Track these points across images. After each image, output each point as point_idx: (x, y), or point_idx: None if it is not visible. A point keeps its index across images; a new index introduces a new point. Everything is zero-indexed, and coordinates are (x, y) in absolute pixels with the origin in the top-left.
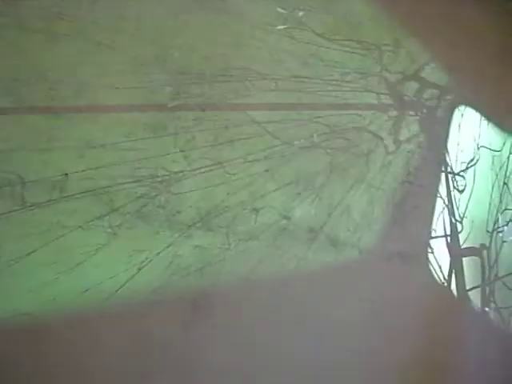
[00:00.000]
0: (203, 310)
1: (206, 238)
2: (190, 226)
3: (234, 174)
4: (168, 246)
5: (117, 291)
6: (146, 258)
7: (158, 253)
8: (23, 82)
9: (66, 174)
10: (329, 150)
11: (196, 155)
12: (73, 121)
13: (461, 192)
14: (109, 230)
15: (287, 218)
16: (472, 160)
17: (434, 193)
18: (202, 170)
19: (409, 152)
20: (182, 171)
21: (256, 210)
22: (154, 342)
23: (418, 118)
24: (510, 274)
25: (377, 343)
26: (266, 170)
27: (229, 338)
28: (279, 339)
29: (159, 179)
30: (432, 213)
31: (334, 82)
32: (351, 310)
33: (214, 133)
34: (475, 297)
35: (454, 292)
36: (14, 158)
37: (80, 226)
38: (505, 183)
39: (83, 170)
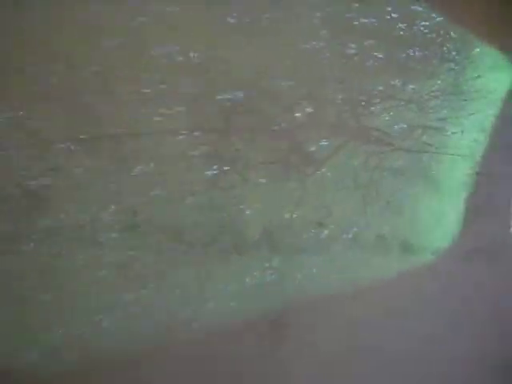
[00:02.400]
0: (280, 330)
1: (274, 258)
2: (257, 247)
3: (295, 190)
4: (238, 269)
5: (194, 317)
6: (220, 283)
7: (231, 277)
8: None
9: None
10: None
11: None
12: None
13: None
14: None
15: (353, 227)
16: None
17: (509, 182)
18: (260, 188)
19: (475, 141)
20: (240, 194)
21: (321, 224)
22: (233, 365)
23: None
24: None
25: (462, 344)
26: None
27: (307, 358)
28: (358, 355)
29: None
30: (509, 205)
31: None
32: (431, 317)
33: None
34: None
35: None
36: None
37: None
38: None
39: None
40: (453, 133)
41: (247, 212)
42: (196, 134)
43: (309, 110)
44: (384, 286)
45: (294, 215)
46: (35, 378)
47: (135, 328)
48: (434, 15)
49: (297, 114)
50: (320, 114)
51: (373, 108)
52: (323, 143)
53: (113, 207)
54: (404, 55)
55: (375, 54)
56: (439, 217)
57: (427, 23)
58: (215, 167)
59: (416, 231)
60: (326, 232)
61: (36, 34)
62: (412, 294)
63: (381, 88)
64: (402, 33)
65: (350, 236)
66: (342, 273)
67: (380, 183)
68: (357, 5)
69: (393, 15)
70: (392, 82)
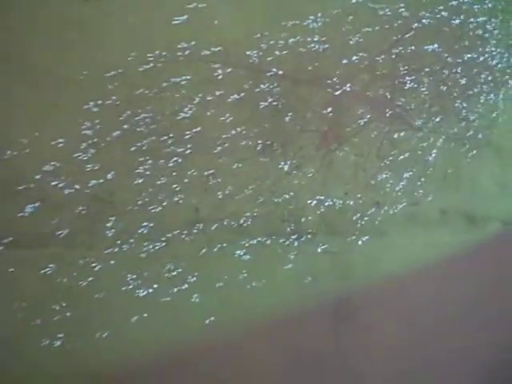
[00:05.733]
0: (346, 317)
1: (333, 242)
2: (315, 233)
3: (346, 171)
4: (298, 256)
5: (261, 307)
6: (282, 272)
7: (291, 264)
8: None
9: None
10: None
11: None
12: None
13: None
14: (242, 253)
15: (415, 204)
16: None
17: None
18: (312, 175)
19: None
20: (298, 183)
21: (378, 203)
22: (300, 355)
23: None
24: None
25: None
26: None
27: (374, 344)
28: (433, 339)
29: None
30: None
31: None
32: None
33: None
34: None
35: None
36: None
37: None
38: None
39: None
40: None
41: (303, 199)
42: (248, 125)
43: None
44: (451, 262)
45: (349, 197)
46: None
47: (216, 311)
48: None
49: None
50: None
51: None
52: (371, 123)
53: (175, 205)
54: None
55: None
56: (503, 184)
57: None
58: (268, 157)
59: (479, 202)
60: (383, 211)
61: None
62: (484, 266)
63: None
64: None
65: (410, 214)
66: (404, 252)
67: (436, 155)
68: None
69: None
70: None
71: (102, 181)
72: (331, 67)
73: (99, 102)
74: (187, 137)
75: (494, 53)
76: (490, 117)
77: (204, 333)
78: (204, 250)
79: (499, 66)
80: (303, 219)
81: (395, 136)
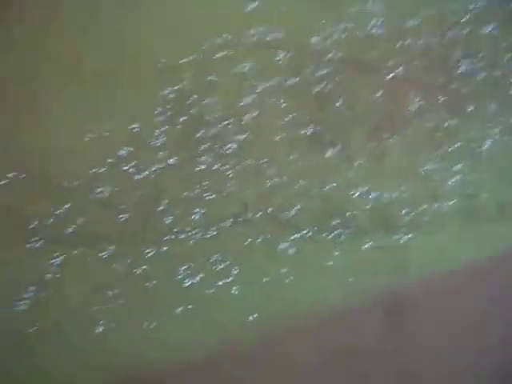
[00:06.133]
0: (396, 315)
1: (382, 238)
2: (364, 228)
3: (398, 164)
4: (347, 252)
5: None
6: (327, 268)
7: (338, 260)
8: None
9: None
10: None
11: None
12: None
13: None
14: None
15: (470, 197)
16: None
17: None
18: (362, 166)
19: None
20: (347, 175)
21: (431, 197)
22: (349, 352)
23: None
24: None
25: None
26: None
27: (426, 343)
28: (490, 340)
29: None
30: None
31: None
32: None
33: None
34: None
35: None
36: None
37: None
38: None
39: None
40: None
41: (353, 192)
42: (298, 118)
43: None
44: (509, 260)
45: (401, 190)
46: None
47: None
48: None
49: None
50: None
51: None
52: (424, 111)
53: (224, 200)
54: None
55: None
56: None
57: None
58: (318, 147)
59: None
60: (436, 205)
61: None
62: None
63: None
64: None
65: (465, 208)
66: (459, 249)
67: (491, 145)
68: None
69: None
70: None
71: (163, 165)
72: (386, 52)
73: (175, 87)
74: (245, 124)
75: None
76: None
77: (247, 328)
78: (248, 241)
79: None
80: (352, 213)
81: (449, 125)
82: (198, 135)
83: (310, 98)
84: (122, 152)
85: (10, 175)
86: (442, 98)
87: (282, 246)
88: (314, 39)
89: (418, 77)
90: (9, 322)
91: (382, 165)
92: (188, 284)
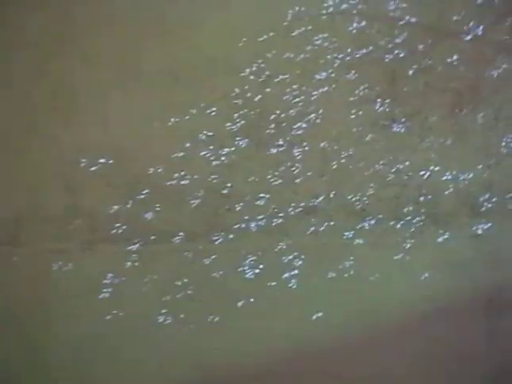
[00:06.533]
0: (500, 311)
1: (478, 226)
2: (456, 216)
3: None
4: (436, 242)
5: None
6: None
7: (427, 251)
8: None
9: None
10: None
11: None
12: None
13: None
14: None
15: None
16: None
17: None
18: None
19: None
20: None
21: None
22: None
23: None
24: None
25: None
26: None
27: None
28: None
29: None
30: None
31: None
32: None
33: None
34: None
35: None
36: None
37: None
38: None
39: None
40: None
41: (437, 176)
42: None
43: None
44: None
45: (491, 171)
46: None
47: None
48: None
49: None
50: None
51: None
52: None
53: (292, 192)
54: None
55: None
56: None
57: None
58: (391, 130)
59: None
60: None
61: None
62: None
63: None
64: None
65: None
66: None
67: None
68: None
69: None
70: None
71: (233, 149)
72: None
73: (253, 69)
74: (316, 100)
75: None
76: None
77: (310, 328)
78: (312, 230)
79: None
80: (438, 200)
81: None
82: (272, 117)
83: (382, 69)
84: (202, 136)
85: (102, 160)
86: None
87: (349, 234)
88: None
89: (502, 38)
90: (91, 311)
91: (467, 142)
92: (251, 275)
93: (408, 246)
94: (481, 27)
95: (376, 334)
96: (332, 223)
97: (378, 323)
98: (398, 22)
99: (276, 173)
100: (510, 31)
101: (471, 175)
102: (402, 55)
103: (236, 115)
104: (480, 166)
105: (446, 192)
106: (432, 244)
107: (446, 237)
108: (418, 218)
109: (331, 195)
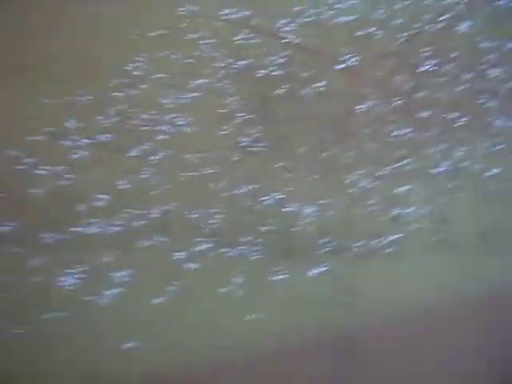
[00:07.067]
0: (349, 352)
1: (335, 263)
2: (307, 251)
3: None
4: (288, 276)
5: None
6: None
7: (281, 286)
8: None
9: None
10: None
11: None
12: None
13: None
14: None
15: (443, 221)
16: None
17: None
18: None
19: None
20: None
21: (395, 218)
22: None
23: None
24: None
25: None
26: None
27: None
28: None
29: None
30: None
31: None
32: None
33: None
34: None
35: None
36: None
37: None
38: None
39: None
40: None
41: (294, 209)
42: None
43: None
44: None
45: (351, 209)
46: None
47: None
48: None
49: None
50: None
51: None
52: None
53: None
54: None
55: None
56: None
57: None
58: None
59: None
60: (399, 229)
61: None
62: None
63: None
64: None
65: (436, 232)
66: (428, 280)
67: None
68: None
69: None
70: None
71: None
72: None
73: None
74: (187, 106)
75: None
76: None
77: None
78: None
79: None
80: (288, 232)
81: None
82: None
83: (257, 86)
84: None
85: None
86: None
87: (181, 255)
88: None
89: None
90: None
91: (329, 178)
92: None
93: (241, 279)
94: (355, 59)
95: (195, 374)
96: (167, 240)
97: (201, 364)
98: (281, 40)
99: (125, 179)
100: (386, 68)
101: (330, 211)
102: (279, 75)
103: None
104: (341, 203)
105: (299, 226)
106: (276, 280)
107: (292, 272)
108: (258, 249)
109: (175, 211)
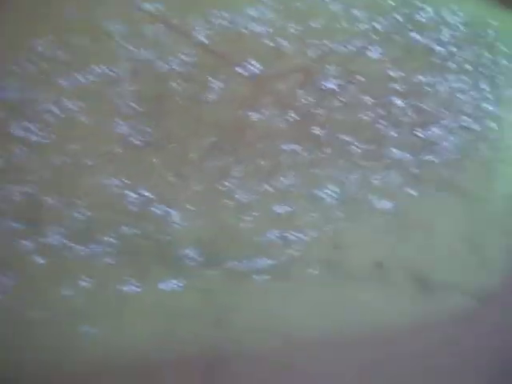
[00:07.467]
0: (219, 376)
1: (213, 279)
2: (180, 260)
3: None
4: (166, 291)
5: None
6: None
7: (153, 299)
8: None
9: None
10: None
11: None
12: None
13: None
14: None
15: (336, 248)
16: None
17: None
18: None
19: None
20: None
21: (284, 238)
22: None
23: None
24: None
25: None
26: None
27: None
28: None
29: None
30: None
31: None
32: None
33: None
34: None
35: None
36: None
37: None
38: None
39: None
40: None
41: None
42: None
43: None
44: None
45: (244, 222)
46: None
47: None
48: None
49: None
50: None
51: None
52: None
53: None
54: None
55: None
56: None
57: None
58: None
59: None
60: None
61: None
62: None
63: None
64: None
65: (329, 258)
66: (315, 308)
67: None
68: None
69: None
70: None
71: None
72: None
73: None
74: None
75: None
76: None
77: None
78: None
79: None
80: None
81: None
82: None
83: (155, 82)
84: None
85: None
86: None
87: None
88: None
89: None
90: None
91: (212, 187)
92: None
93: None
94: (261, 69)
95: None
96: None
97: None
98: (190, 38)
99: None
100: (290, 82)
101: (207, 222)
102: (180, 73)
103: None
104: (221, 215)
105: (169, 233)
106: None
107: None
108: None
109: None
